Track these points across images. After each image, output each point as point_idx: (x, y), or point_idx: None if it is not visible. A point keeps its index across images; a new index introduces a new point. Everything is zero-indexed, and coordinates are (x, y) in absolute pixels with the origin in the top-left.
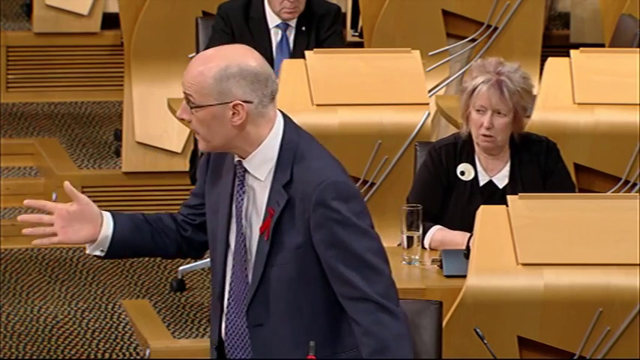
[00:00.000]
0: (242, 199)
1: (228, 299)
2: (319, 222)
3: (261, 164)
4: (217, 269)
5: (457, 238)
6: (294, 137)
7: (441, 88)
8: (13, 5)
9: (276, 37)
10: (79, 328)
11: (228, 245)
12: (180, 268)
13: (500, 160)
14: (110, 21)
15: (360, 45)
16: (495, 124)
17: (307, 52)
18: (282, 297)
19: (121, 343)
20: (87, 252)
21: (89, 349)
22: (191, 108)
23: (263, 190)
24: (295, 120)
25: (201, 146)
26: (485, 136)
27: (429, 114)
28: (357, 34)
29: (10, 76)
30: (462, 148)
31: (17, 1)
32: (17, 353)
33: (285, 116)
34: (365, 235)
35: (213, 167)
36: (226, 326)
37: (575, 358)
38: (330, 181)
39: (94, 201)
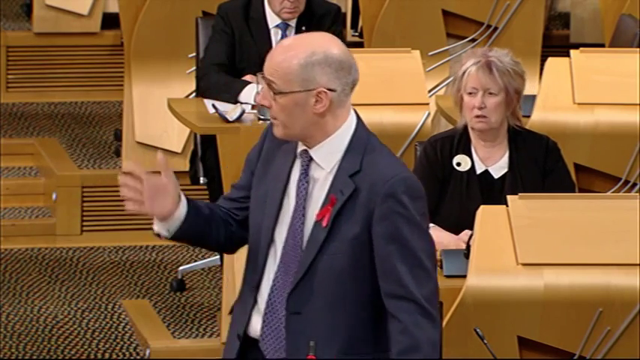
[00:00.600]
0: (304, 188)
1: (272, 287)
2: (385, 214)
3: (328, 154)
4: (258, 260)
5: (445, 239)
6: (365, 133)
7: (441, 88)
8: (13, 5)
9: (276, 37)
10: (79, 328)
11: (273, 236)
12: (181, 268)
13: (497, 149)
14: (110, 21)
15: (360, 45)
16: (487, 104)
17: None
18: (328, 287)
19: (121, 343)
20: (154, 229)
21: (89, 349)
22: (274, 94)
23: (325, 180)
24: None
25: (278, 132)
26: (478, 117)
27: (429, 114)
28: (357, 34)
29: (10, 76)
30: (458, 141)
31: (17, 1)
32: (17, 353)
33: (357, 112)
34: (424, 237)
35: (265, 160)
36: (265, 318)
37: (575, 358)
38: (403, 176)
39: (94, 201)
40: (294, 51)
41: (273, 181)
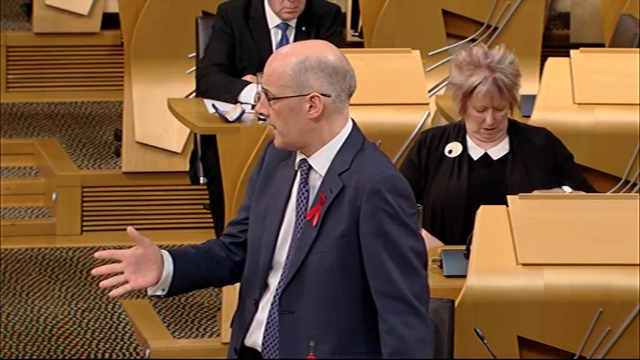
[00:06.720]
0: (305, 198)
1: (272, 303)
2: (370, 211)
3: (325, 160)
4: (258, 275)
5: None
6: (359, 136)
7: (441, 88)
8: (13, 5)
9: (276, 37)
10: (79, 328)
11: (274, 251)
12: None
13: (497, 136)
14: (110, 21)
15: (360, 45)
16: (497, 119)
17: None
18: (318, 286)
19: (121, 343)
20: (149, 293)
21: (89, 349)
22: (269, 100)
23: (319, 182)
24: None
25: (277, 141)
26: (487, 130)
27: (429, 114)
28: (357, 34)
29: (10, 76)
30: (450, 131)
31: (17, 1)
32: (17, 353)
33: (353, 121)
34: (411, 235)
35: (265, 176)
36: (266, 332)
37: (575, 358)
38: (387, 174)
39: (94, 201)
40: (288, 58)
41: (273, 197)
